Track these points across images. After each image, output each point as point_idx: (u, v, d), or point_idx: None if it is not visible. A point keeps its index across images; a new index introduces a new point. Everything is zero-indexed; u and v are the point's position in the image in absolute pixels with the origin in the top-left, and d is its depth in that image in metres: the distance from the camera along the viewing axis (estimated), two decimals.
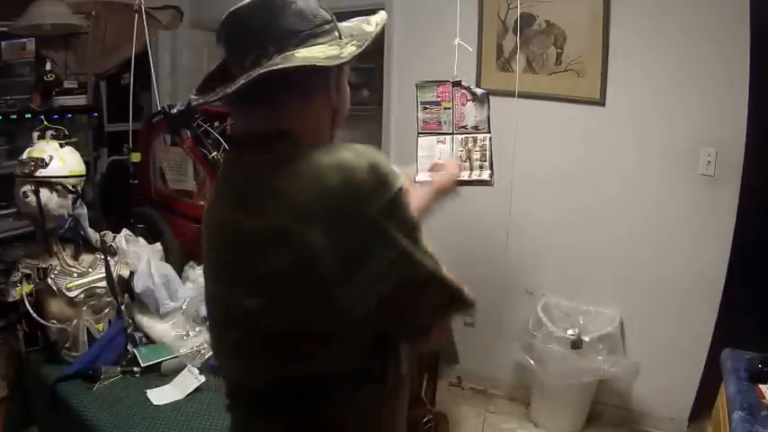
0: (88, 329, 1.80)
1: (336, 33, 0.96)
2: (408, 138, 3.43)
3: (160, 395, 1.65)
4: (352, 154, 0.87)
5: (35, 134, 1.93)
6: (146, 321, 1.91)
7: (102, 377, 1.70)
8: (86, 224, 1.94)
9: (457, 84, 2.10)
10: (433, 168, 1.90)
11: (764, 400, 1.52)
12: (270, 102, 0.92)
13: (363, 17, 1.03)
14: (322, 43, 0.92)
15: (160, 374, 1.75)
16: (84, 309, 1.81)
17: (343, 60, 0.91)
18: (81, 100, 3.29)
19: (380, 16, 1.01)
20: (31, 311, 1.75)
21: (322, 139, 0.96)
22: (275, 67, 0.86)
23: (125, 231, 2.09)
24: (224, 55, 0.96)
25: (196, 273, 2.07)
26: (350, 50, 0.93)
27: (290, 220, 0.84)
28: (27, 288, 1.78)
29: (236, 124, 1.08)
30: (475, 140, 2.09)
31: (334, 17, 0.97)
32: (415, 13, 3.25)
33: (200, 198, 2.25)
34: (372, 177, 0.85)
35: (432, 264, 0.90)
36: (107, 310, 1.86)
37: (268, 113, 0.93)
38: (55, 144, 1.86)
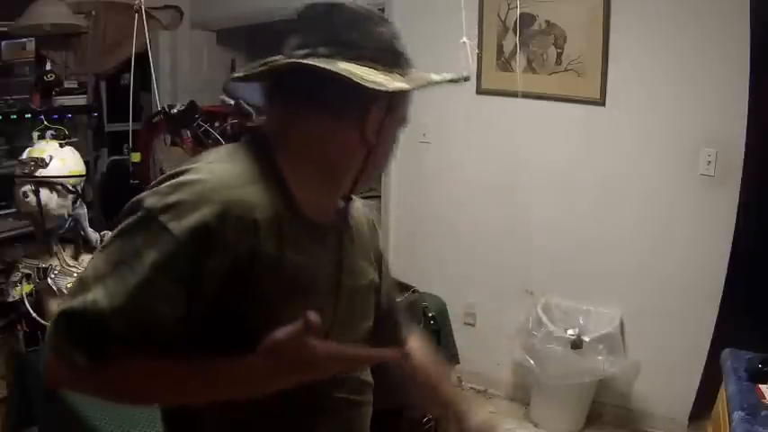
0: None
1: (401, 70, 0.84)
2: (408, 138, 3.44)
3: None
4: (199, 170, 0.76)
5: (35, 134, 1.93)
6: None
7: None
8: (86, 224, 1.94)
9: None
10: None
11: (764, 400, 1.52)
12: (289, 103, 0.84)
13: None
14: (378, 70, 0.81)
15: None
16: None
17: (384, 89, 0.78)
18: (81, 100, 3.29)
19: (452, 75, 0.92)
20: (31, 311, 1.75)
21: (330, 171, 0.85)
22: (305, 61, 0.78)
23: None
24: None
25: None
26: (398, 85, 0.80)
27: None
28: (27, 288, 1.78)
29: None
30: None
31: (409, 58, 0.87)
32: (415, 13, 3.25)
33: None
34: (166, 188, 0.74)
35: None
36: None
37: (279, 114, 0.86)
38: (55, 144, 1.86)
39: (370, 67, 0.80)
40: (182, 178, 0.75)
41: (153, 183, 0.78)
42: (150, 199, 0.74)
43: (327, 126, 0.83)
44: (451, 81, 0.90)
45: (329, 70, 0.77)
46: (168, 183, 0.75)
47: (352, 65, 0.79)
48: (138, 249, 0.72)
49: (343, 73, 0.77)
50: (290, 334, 0.69)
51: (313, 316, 0.68)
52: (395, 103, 0.84)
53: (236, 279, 0.74)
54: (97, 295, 0.71)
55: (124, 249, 0.73)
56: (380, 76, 0.79)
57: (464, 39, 2.23)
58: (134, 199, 0.76)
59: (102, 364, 0.71)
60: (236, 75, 0.87)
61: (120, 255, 0.73)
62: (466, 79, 0.93)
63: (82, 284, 0.74)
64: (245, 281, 0.75)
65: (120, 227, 0.75)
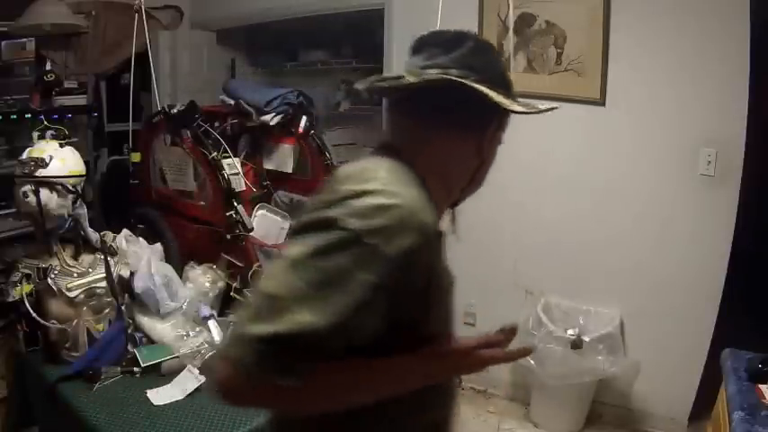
0: (88, 329, 1.80)
1: (511, 96, 0.95)
2: None
3: (160, 395, 1.65)
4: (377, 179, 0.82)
5: (35, 134, 1.93)
6: (146, 321, 1.91)
7: (102, 377, 1.70)
8: (86, 224, 1.94)
9: None
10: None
11: (764, 401, 1.52)
12: (423, 117, 0.92)
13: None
14: (498, 93, 0.91)
15: (160, 374, 1.75)
16: (84, 309, 1.81)
17: (512, 110, 0.92)
18: (81, 100, 3.29)
19: (550, 105, 1.03)
20: (31, 311, 1.75)
21: (449, 182, 0.94)
22: (453, 78, 0.87)
23: (125, 231, 2.09)
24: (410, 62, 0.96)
25: (196, 273, 2.07)
26: (519, 108, 0.94)
27: None
28: (27, 288, 1.78)
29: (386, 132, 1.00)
30: None
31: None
32: (416, 13, 3.25)
33: (200, 198, 2.25)
34: (363, 210, 0.77)
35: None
36: (107, 311, 1.86)
37: (411, 127, 0.93)
38: (55, 144, 1.86)
39: (493, 90, 0.90)
40: (376, 201, 0.77)
41: (323, 196, 0.81)
42: (349, 220, 0.76)
43: (455, 139, 0.92)
44: (549, 110, 1.01)
45: (476, 89, 0.87)
46: (363, 204, 0.77)
47: (483, 86, 0.89)
48: (349, 270, 0.74)
49: (486, 92, 0.88)
50: (469, 344, 0.88)
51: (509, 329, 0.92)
52: (503, 123, 0.97)
53: (423, 292, 0.82)
54: (306, 317, 0.72)
55: (328, 269, 0.74)
56: (502, 98, 0.90)
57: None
58: (318, 216, 0.78)
59: (310, 380, 0.74)
60: (379, 85, 0.95)
61: (325, 275, 0.74)
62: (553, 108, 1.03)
63: (279, 305, 0.73)
64: (426, 292, 0.83)
65: (311, 244, 0.75)
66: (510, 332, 0.96)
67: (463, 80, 0.87)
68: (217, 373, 0.74)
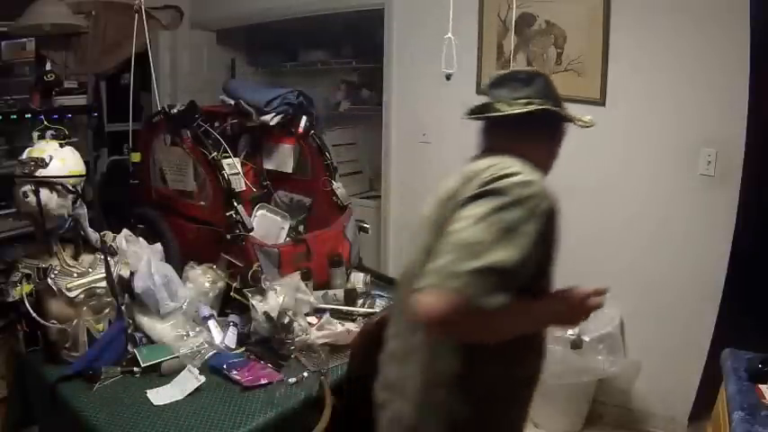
0: (88, 329, 1.80)
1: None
2: (408, 138, 3.44)
3: (160, 395, 1.65)
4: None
5: (35, 134, 1.93)
6: (146, 321, 1.91)
7: (102, 377, 1.70)
8: (86, 224, 1.94)
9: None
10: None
11: (764, 401, 1.52)
12: (520, 133, 1.28)
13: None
14: (563, 111, 1.33)
15: (160, 374, 1.75)
16: (84, 309, 1.81)
17: (577, 124, 1.35)
18: (81, 100, 3.29)
19: (590, 118, 1.39)
20: (31, 311, 1.75)
21: (541, 171, 1.23)
22: (547, 107, 1.27)
23: (125, 231, 2.09)
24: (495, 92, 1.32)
25: (196, 273, 2.07)
26: (581, 123, 1.36)
27: None
28: (27, 288, 1.78)
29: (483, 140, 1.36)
30: None
31: None
32: (416, 13, 3.25)
33: (200, 198, 2.25)
34: (519, 184, 1.10)
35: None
36: (107, 311, 1.86)
37: (515, 140, 1.27)
38: (55, 144, 1.86)
39: (562, 111, 1.32)
40: (524, 178, 1.10)
41: (476, 180, 1.12)
42: (517, 189, 1.07)
43: (541, 143, 1.33)
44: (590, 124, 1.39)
45: (560, 113, 1.31)
46: (516, 179, 1.09)
47: (556, 109, 1.30)
48: (522, 220, 1.04)
49: (567, 115, 1.32)
50: (586, 291, 1.21)
51: (602, 288, 1.22)
52: (565, 131, 1.37)
53: (551, 246, 1.16)
54: (501, 254, 1.00)
55: (508, 221, 1.04)
56: (572, 116, 1.33)
57: (449, 35, 2.24)
58: (486, 189, 1.09)
59: (503, 308, 0.98)
60: (497, 114, 1.28)
61: (506, 225, 1.03)
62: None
63: (478, 249, 1.00)
64: (552, 247, 1.17)
65: (490, 206, 1.06)
66: (603, 290, 1.24)
67: (550, 107, 1.27)
68: (431, 306, 0.99)
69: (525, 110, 1.26)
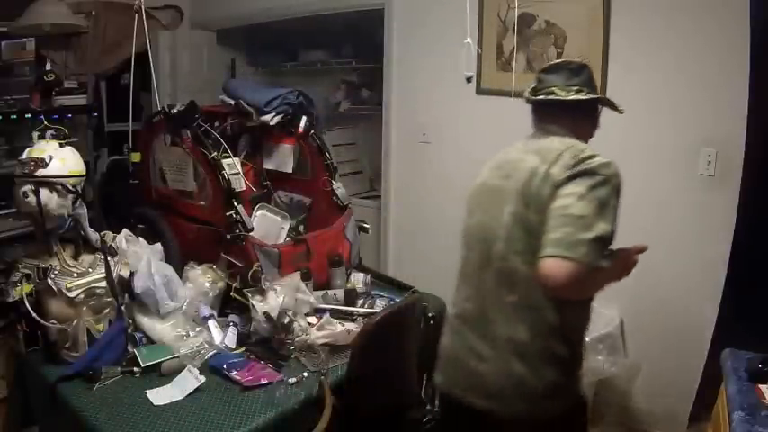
0: (88, 329, 1.80)
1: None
2: (408, 138, 3.44)
3: (160, 395, 1.65)
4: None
5: (35, 134, 1.92)
6: (146, 321, 1.91)
7: (102, 377, 1.70)
8: (86, 224, 1.94)
9: None
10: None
11: (764, 401, 1.52)
12: (574, 117, 1.53)
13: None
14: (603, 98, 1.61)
15: (160, 374, 1.75)
16: (84, 309, 1.81)
17: (619, 110, 1.59)
18: (81, 100, 3.29)
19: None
20: (31, 311, 1.75)
21: None
22: (599, 96, 1.56)
23: (125, 231, 2.09)
24: (546, 78, 1.55)
25: (196, 273, 2.07)
26: (621, 109, 1.60)
27: None
28: (27, 288, 1.78)
29: (534, 124, 1.60)
30: None
31: None
32: (416, 13, 3.25)
33: (200, 198, 2.25)
34: (604, 164, 1.38)
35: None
36: (107, 310, 1.86)
37: (570, 123, 1.52)
38: (55, 144, 1.85)
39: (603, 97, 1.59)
40: (603, 160, 1.37)
41: (571, 160, 1.37)
42: (603, 170, 1.34)
43: (588, 128, 1.59)
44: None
45: (608, 100, 1.59)
46: (599, 161, 1.36)
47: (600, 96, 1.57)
48: (611, 196, 1.33)
49: (613, 102, 1.59)
50: (634, 248, 1.52)
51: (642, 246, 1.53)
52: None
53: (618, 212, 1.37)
54: (603, 225, 1.29)
55: (602, 198, 1.31)
56: (613, 103, 1.59)
57: (468, 39, 2.24)
58: (580, 169, 1.34)
59: (606, 267, 1.34)
60: (555, 99, 1.51)
61: (601, 201, 1.30)
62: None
63: (588, 221, 1.28)
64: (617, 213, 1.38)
65: (587, 184, 1.32)
66: (644, 248, 1.53)
67: (604, 97, 1.58)
68: (560, 271, 1.26)
69: (591, 96, 1.52)
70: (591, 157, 1.36)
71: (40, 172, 1.78)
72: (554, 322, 1.37)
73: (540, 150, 1.43)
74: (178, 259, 2.15)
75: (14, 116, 2.92)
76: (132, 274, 1.92)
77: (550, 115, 1.54)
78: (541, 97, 1.53)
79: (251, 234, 2.09)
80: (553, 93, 1.51)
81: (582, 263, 1.24)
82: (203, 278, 2.06)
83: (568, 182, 1.33)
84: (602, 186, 1.31)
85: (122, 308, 1.86)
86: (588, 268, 1.25)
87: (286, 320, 1.90)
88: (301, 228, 2.57)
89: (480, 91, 2.96)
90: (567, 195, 1.31)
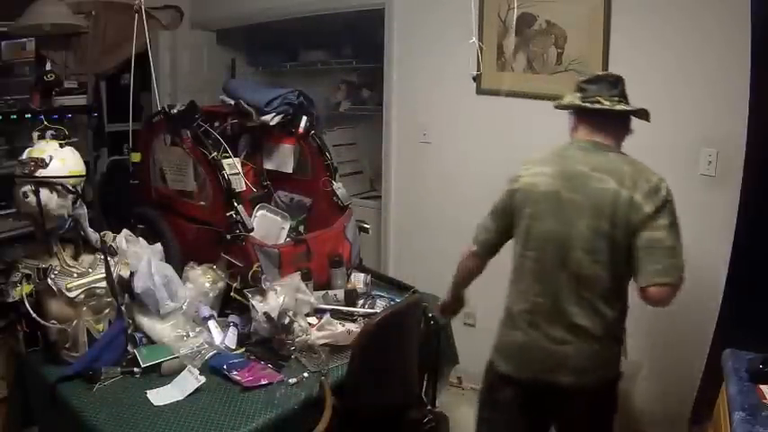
0: (88, 330, 1.80)
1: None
2: (408, 138, 3.44)
3: (160, 395, 1.65)
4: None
5: (35, 134, 1.92)
6: (146, 322, 1.91)
7: (102, 377, 1.70)
8: (86, 224, 1.94)
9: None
10: None
11: (765, 401, 1.52)
12: (616, 127, 1.72)
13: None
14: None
15: (160, 375, 1.75)
16: (84, 309, 1.81)
17: (648, 119, 1.73)
18: (81, 100, 3.29)
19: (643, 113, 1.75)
20: (31, 312, 1.75)
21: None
22: (640, 108, 1.72)
23: (125, 231, 2.09)
24: (591, 88, 1.72)
25: (196, 273, 2.07)
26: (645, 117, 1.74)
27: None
28: (27, 288, 1.78)
29: (580, 132, 1.77)
30: None
31: None
32: (416, 13, 3.25)
33: (200, 198, 2.25)
34: (663, 186, 1.66)
35: None
36: (107, 311, 1.86)
37: (613, 132, 1.72)
38: (55, 144, 1.85)
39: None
40: (664, 181, 1.64)
41: (649, 187, 1.62)
42: (669, 192, 1.62)
43: (625, 133, 1.76)
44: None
45: (644, 111, 1.73)
46: (665, 188, 1.62)
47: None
48: (677, 217, 1.62)
49: (646, 112, 1.72)
50: None
51: None
52: None
53: None
54: (682, 246, 1.61)
55: (677, 222, 1.61)
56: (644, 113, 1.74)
57: (473, 39, 2.25)
58: (664, 196, 1.61)
59: None
60: (601, 108, 1.69)
61: (677, 225, 1.61)
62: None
63: (678, 251, 1.59)
64: None
65: (670, 214, 1.60)
66: None
67: (644, 108, 1.72)
68: (667, 297, 1.64)
69: (640, 108, 1.69)
70: (659, 181, 1.61)
71: (40, 172, 1.78)
72: (619, 312, 1.73)
73: (611, 172, 1.62)
74: (178, 259, 2.15)
75: (14, 116, 2.92)
76: (132, 274, 1.92)
77: (599, 124, 1.70)
78: (597, 106, 1.67)
79: (251, 234, 2.09)
80: (599, 102, 1.66)
81: (680, 284, 1.60)
82: (203, 278, 2.06)
83: (656, 215, 1.57)
84: (674, 210, 1.60)
85: (122, 308, 1.86)
86: (682, 283, 1.60)
87: (286, 321, 1.90)
88: (301, 228, 2.57)
89: (480, 91, 2.96)
90: (659, 228, 1.57)
